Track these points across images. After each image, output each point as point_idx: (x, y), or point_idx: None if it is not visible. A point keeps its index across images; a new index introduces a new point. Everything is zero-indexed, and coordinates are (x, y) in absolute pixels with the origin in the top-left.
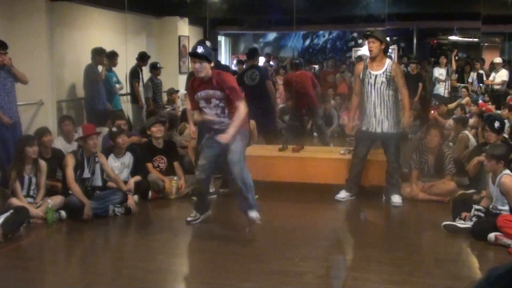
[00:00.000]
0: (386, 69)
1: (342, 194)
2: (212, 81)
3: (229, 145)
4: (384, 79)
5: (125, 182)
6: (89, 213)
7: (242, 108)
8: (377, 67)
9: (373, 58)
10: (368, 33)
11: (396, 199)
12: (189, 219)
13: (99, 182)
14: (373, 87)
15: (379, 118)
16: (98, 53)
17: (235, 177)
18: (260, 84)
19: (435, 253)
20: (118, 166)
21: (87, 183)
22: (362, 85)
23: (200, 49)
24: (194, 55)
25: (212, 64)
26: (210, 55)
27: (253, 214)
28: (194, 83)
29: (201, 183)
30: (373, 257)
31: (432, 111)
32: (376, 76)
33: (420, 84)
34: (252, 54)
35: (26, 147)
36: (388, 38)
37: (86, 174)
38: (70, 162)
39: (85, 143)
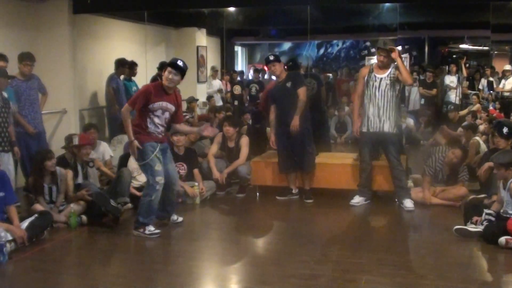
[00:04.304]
0: (390, 72)
1: (356, 199)
2: (173, 96)
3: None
4: (388, 81)
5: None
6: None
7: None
8: (383, 72)
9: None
10: (381, 46)
11: (408, 203)
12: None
13: (95, 188)
14: (377, 89)
15: (382, 118)
16: (121, 63)
17: (173, 195)
18: (318, 93)
19: (447, 256)
20: (138, 168)
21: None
22: (366, 88)
23: (181, 63)
24: (175, 67)
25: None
26: (185, 72)
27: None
28: (155, 90)
29: (161, 188)
30: (386, 261)
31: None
32: (381, 79)
33: (435, 90)
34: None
35: (46, 161)
36: (400, 47)
37: (79, 180)
38: (70, 176)
39: (78, 152)
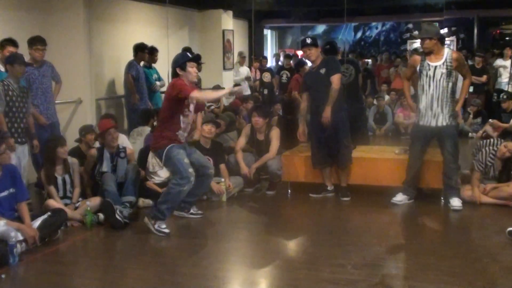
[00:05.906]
0: (446, 59)
1: (399, 197)
2: (194, 87)
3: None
4: (444, 70)
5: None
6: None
7: None
8: (436, 59)
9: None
10: (417, 34)
11: (455, 202)
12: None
13: (119, 179)
14: (431, 79)
15: (435, 111)
16: (140, 49)
17: (210, 178)
18: (355, 81)
19: (499, 261)
20: (158, 162)
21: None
22: (419, 78)
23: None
24: (199, 60)
25: None
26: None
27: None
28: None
29: (193, 180)
30: (430, 265)
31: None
32: (435, 67)
33: (485, 76)
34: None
35: (58, 147)
36: (446, 29)
37: (104, 168)
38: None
39: (103, 140)
